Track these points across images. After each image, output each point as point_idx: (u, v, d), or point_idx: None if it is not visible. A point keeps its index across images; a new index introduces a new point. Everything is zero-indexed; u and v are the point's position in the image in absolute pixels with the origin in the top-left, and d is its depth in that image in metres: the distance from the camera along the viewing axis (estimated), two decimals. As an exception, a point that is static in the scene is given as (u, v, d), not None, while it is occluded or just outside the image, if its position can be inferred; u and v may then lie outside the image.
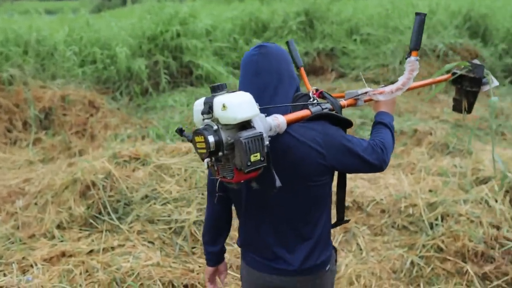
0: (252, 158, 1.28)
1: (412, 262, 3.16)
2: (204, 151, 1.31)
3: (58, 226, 3.55)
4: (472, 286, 2.93)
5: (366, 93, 1.74)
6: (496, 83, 2.08)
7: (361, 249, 3.38)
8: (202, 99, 1.38)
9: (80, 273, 2.92)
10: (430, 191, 3.92)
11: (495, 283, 2.92)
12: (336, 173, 1.65)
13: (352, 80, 7.77)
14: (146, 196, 3.74)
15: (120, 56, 6.82)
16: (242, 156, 1.28)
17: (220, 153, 1.31)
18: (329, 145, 1.49)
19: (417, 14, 1.76)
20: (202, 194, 3.83)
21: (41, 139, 5.57)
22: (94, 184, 3.72)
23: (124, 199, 3.66)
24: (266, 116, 1.40)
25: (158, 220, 3.50)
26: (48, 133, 5.67)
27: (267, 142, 1.34)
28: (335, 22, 9.05)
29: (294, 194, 1.54)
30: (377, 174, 4.35)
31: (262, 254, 1.67)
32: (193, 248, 3.34)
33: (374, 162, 1.55)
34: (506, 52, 8.37)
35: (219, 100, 1.31)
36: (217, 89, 1.35)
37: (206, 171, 3.99)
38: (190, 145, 4.45)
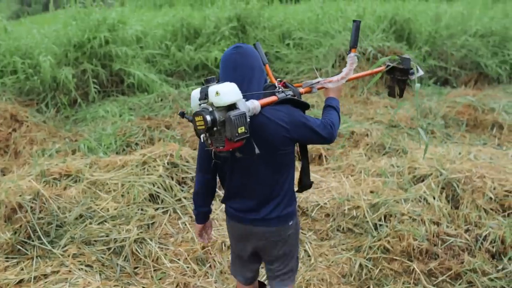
0: (239, 131, 1.72)
1: (360, 265, 3.17)
2: (203, 127, 1.73)
3: (-19, 256, 3.20)
4: (419, 283, 2.98)
5: (318, 82, 2.20)
6: (421, 72, 2.54)
7: (309, 256, 3.35)
8: (198, 89, 1.83)
9: (9, 307, 2.64)
10: (372, 192, 3.98)
11: (440, 278, 2.99)
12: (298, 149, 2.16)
13: (287, 85, 7.81)
14: (81, 216, 3.49)
15: (44, 65, 6.38)
16: (232, 129, 1.71)
17: (215, 128, 1.74)
18: (292, 122, 1.94)
19: (354, 21, 2.26)
20: (142, 209, 3.64)
21: (-44, 159, 5.06)
22: (20, 206, 3.40)
23: (56, 221, 3.39)
24: (245, 101, 1.82)
25: (95, 241, 3.27)
26: (-36, 152, 5.17)
27: (248, 120, 1.78)
28: (267, 27, 9.07)
29: (267, 160, 1.97)
30: (319, 178, 4.36)
31: (240, 207, 2.11)
32: (135, 268, 3.15)
33: (325, 136, 2.01)
34: (429, 54, 8.81)
35: (213, 89, 1.74)
36: (210, 81, 1.79)
37: (145, 185, 3.81)
38: (125, 158, 4.24)
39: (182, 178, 4.07)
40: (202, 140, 1.83)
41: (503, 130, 5.85)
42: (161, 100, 6.64)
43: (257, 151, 1.85)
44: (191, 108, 1.87)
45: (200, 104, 1.79)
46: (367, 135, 5.25)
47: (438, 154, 4.56)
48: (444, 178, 3.89)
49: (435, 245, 3.17)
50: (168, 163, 4.10)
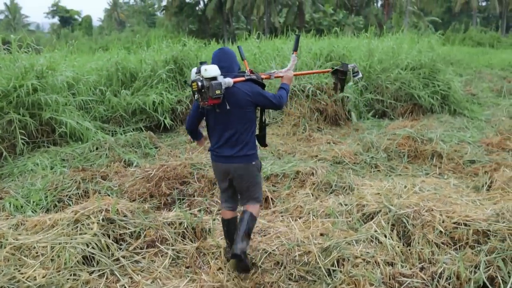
0: (216, 92, 3.00)
1: (317, 318, 2.96)
2: (196, 89, 3.01)
3: None
4: (380, 333, 2.81)
5: (274, 72, 3.55)
6: (360, 75, 4.00)
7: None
8: (195, 68, 3.12)
9: None
10: (322, 235, 3.83)
11: (400, 325, 2.84)
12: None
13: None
14: (2, 289, 3.06)
15: (-36, 118, 5.87)
16: (212, 91, 2.99)
17: (203, 90, 3.01)
18: (253, 92, 3.23)
19: (295, 34, 4.02)
20: (74, 274, 3.27)
21: None
22: None
23: (-29, 298, 2.94)
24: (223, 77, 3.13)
25: (19, 318, 2.85)
26: None
27: (223, 88, 3.06)
28: (205, 68, 8.99)
29: (237, 115, 3.21)
30: (266, 223, 4.17)
31: (222, 152, 3.29)
32: None
33: (275, 102, 3.28)
34: (365, 88, 9.05)
35: (204, 67, 3.04)
36: (203, 63, 3.07)
37: (77, 247, 3.43)
38: (56, 216, 3.86)
39: (120, 234, 3.74)
40: (195, 98, 3.08)
41: (442, 159, 5.98)
42: (97, 148, 6.28)
43: (227, 107, 3.14)
44: (191, 79, 3.10)
45: (196, 76, 3.04)
46: (312, 174, 5.14)
47: (385, 189, 4.53)
48: (393, 215, 3.82)
49: (391, 288, 3.04)
50: (103, 219, 3.76)
